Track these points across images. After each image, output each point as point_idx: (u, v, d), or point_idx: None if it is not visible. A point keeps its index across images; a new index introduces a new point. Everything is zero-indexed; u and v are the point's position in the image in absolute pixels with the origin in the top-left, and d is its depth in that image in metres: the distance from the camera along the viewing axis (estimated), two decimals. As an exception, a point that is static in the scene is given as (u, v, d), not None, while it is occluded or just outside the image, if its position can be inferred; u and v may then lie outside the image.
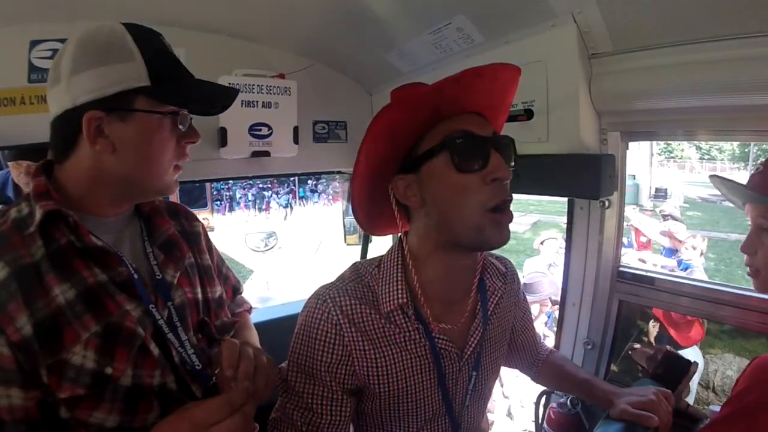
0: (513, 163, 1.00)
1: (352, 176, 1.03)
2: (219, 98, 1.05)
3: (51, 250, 0.87)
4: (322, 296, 1.03)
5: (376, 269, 1.08)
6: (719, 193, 1.17)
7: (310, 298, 1.06)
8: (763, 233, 1.04)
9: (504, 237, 0.96)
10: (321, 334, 1.00)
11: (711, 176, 1.19)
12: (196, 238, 1.19)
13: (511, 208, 0.97)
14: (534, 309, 4.26)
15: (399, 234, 1.09)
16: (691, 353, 2.39)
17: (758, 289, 1.09)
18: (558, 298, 4.20)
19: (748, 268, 1.09)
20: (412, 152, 0.99)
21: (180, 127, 0.97)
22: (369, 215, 1.12)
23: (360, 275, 1.08)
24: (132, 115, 0.91)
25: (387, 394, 1.04)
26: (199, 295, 1.10)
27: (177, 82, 0.97)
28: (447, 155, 0.94)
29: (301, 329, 1.04)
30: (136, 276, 0.95)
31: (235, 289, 1.34)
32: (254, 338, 1.27)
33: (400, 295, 1.02)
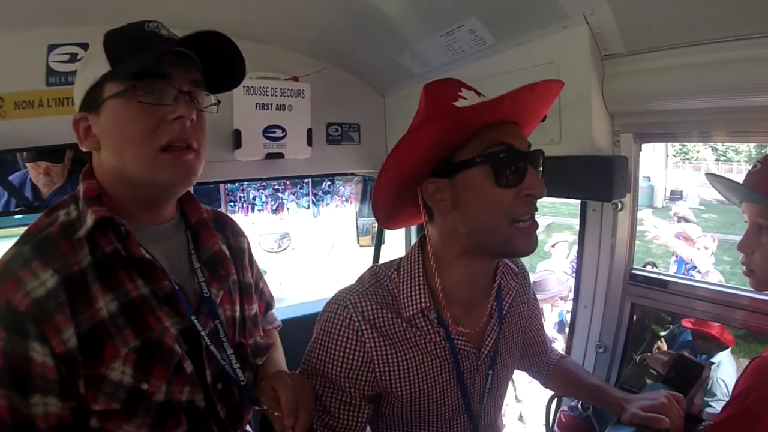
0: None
1: (380, 175, 1.01)
2: (208, 47, 0.92)
3: (96, 257, 0.86)
4: (343, 302, 1.02)
5: (396, 273, 1.08)
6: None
7: (330, 304, 1.05)
8: (761, 232, 1.04)
9: (532, 246, 0.97)
10: (342, 340, 1.00)
11: (707, 174, 1.19)
12: (240, 254, 1.16)
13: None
14: (545, 309, 4.26)
15: (424, 234, 1.08)
16: (725, 357, 2.34)
17: (755, 287, 1.10)
18: (566, 296, 4.23)
19: (744, 267, 1.09)
20: (449, 158, 0.97)
21: (148, 100, 0.86)
22: (389, 213, 1.13)
23: (379, 279, 1.08)
24: (102, 106, 0.88)
25: (408, 396, 1.05)
26: (237, 313, 1.08)
27: (138, 54, 0.85)
28: (488, 168, 0.93)
29: (321, 335, 1.03)
30: (178, 290, 0.93)
31: (268, 305, 1.32)
32: (281, 357, 1.23)
33: (423, 299, 1.02)
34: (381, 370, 1.02)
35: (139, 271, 0.89)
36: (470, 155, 0.94)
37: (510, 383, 1.27)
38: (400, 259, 1.11)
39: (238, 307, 1.08)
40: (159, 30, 0.91)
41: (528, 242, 0.96)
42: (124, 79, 0.86)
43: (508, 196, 0.93)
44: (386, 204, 1.09)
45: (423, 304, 1.02)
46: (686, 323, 1.71)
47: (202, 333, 0.94)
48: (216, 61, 0.95)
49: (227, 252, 1.08)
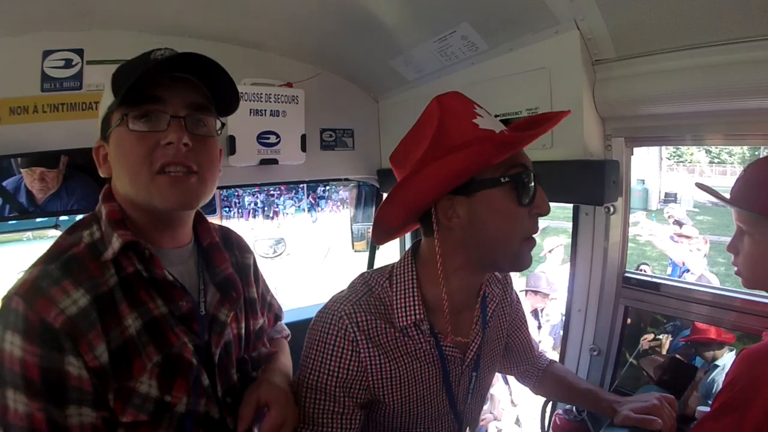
0: None
1: (395, 196, 1.00)
2: (191, 67, 0.92)
3: (121, 277, 0.88)
4: (338, 312, 1.03)
5: (387, 282, 1.09)
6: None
7: (323, 313, 1.06)
8: (743, 236, 1.07)
9: (530, 261, 1.03)
10: (337, 351, 1.01)
11: (696, 184, 1.22)
12: (246, 271, 1.18)
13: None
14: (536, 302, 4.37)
15: (418, 242, 1.12)
16: (729, 361, 2.35)
17: (745, 286, 1.13)
18: (555, 296, 4.33)
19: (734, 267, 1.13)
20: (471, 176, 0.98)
21: (141, 127, 0.88)
22: (393, 233, 1.15)
23: (371, 288, 1.09)
24: (110, 136, 0.92)
25: (399, 402, 1.06)
26: (243, 330, 1.10)
27: (133, 82, 0.86)
28: (510, 188, 0.97)
29: (316, 345, 1.03)
30: (202, 312, 0.98)
31: (277, 317, 1.34)
32: (288, 364, 1.22)
33: (417, 311, 1.04)
34: (374, 379, 1.03)
35: (158, 291, 0.92)
36: (493, 175, 0.97)
37: (506, 388, 1.30)
38: (392, 266, 1.12)
39: (243, 324, 1.11)
40: (165, 56, 0.90)
41: (529, 258, 1.02)
42: (121, 107, 0.88)
43: (522, 214, 0.98)
44: (396, 223, 1.09)
45: (417, 316, 1.03)
46: (683, 339, 1.72)
47: (215, 350, 0.98)
48: (217, 84, 0.96)
49: (237, 276, 1.10)
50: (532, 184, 0.97)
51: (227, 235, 1.21)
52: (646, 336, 1.60)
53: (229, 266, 1.07)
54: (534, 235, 1.01)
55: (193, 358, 0.93)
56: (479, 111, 1.01)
